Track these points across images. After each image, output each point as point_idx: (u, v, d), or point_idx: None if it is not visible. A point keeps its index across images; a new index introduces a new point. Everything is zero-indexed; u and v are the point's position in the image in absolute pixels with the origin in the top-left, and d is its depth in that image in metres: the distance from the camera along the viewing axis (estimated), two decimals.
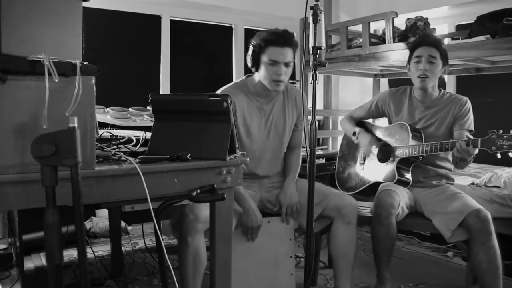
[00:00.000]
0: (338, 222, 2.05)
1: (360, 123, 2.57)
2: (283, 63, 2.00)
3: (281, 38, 2.00)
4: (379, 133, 2.44)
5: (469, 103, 2.27)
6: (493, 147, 1.91)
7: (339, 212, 2.04)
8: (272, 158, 2.20)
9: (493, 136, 1.91)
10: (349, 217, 2.04)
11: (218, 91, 2.13)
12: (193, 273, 1.83)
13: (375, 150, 2.39)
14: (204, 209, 1.79)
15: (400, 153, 2.23)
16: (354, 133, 2.48)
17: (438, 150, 2.09)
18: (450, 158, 2.32)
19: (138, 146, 1.61)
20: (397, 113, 2.38)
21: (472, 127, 2.24)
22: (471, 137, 2.03)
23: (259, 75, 2.07)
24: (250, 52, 2.07)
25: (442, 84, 2.35)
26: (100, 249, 3.01)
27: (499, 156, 1.91)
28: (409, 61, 2.32)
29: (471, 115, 2.27)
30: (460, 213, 2.03)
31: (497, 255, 1.97)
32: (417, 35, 2.82)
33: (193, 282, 1.84)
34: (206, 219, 1.77)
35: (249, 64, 2.09)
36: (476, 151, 1.98)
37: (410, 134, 2.21)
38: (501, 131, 1.92)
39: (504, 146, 1.89)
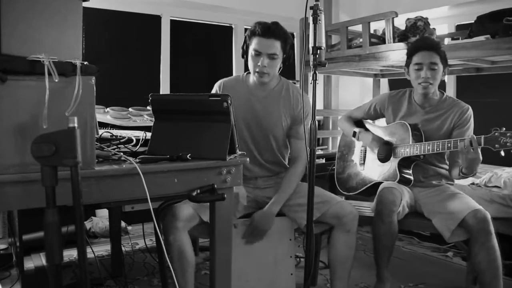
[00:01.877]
0: (338, 230, 2.04)
1: (359, 122, 2.57)
2: (266, 54, 1.99)
3: (265, 29, 1.99)
4: (379, 133, 2.44)
5: (470, 111, 2.23)
6: (496, 145, 1.90)
7: (340, 220, 2.01)
8: (268, 156, 2.15)
9: (496, 133, 1.91)
10: (349, 225, 2.02)
11: (218, 83, 2.16)
12: (181, 272, 1.81)
13: (378, 147, 2.38)
14: (184, 208, 1.80)
15: (401, 152, 2.23)
16: (354, 134, 2.47)
17: (440, 149, 2.08)
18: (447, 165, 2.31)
19: (138, 146, 1.61)
20: (395, 117, 2.36)
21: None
22: (474, 136, 2.00)
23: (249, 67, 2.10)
24: (243, 45, 2.11)
25: (442, 85, 2.34)
26: (100, 249, 3.00)
27: (502, 153, 1.90)
28: (407, 65, 2.28)
29: (471, 124, 2.23)
30: (460, 213, 2.03)
31: (497, 255, 1.97)
32: (417, 35, 2.82)
33: (182, 281, 1.81)
34: (187, 217, 1.79)
35: (243, 57, 2.13)
36: (480, 156, 1.97)
37: (411, 133, 2.21)
38: (504, 128, 1.91)
39: (508, 144, 1.88)
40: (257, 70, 2.03)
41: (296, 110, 2.14)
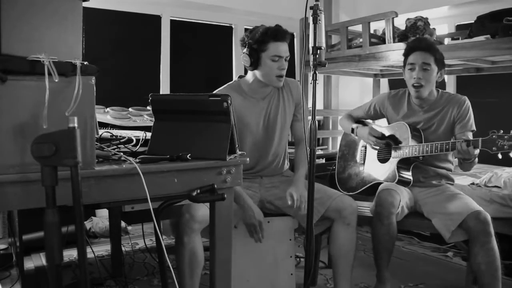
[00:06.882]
0: (338, 223, 2.05)
1: (358, 121, 2.57)
2: (285, 57, 2.03)
3: (281, 33, 2.02)
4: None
5: (468, 102, 2.24)
6: (494, 148, 1.91)
7: (340, 213, 2.03)
8: (273, 155, 2.19)
9: (494, 136, 1.91)
10: (349, 218, 2.03)
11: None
12: (189, 274, 1.82)
13: (374, 150, 2.38)
14: (201, 209, 1.79)
15: (400, 153, 2.23)
16: (353, 130, 2.47)
17: (438, 150, 2.08)
18: (451, 158, 2.32)
19: (138, 146, 1.61)
20: (395, 116, 2.37)
21: (473, 127, 2.22)
22: (471, 138, 2.02)
23: (259, 73, 2.07)
24: (247, 50, 2.04)
25: (442, 84, 2.34)
26: (100, 249, 3.01)
27: (500, 156, 1.91)
28: (404, 66, 2.28)
29: (471, 114, 2.24)
30: (460, 215, 2.03)
31: (496, 257, 1.97)
32: (417, 35, 2.82)
33: (190, 282, 1.83)
34: (203, 218, 1.77)
35: (247, 63, 2.06)
36: (477, 151, 1.98)
37: (410, 134, 2.21)
38: (502, 131, 1.91)
39: (505, 147, 1.89)
40: (278, 74, 2.04)
41: (295, 97, 2.20)
